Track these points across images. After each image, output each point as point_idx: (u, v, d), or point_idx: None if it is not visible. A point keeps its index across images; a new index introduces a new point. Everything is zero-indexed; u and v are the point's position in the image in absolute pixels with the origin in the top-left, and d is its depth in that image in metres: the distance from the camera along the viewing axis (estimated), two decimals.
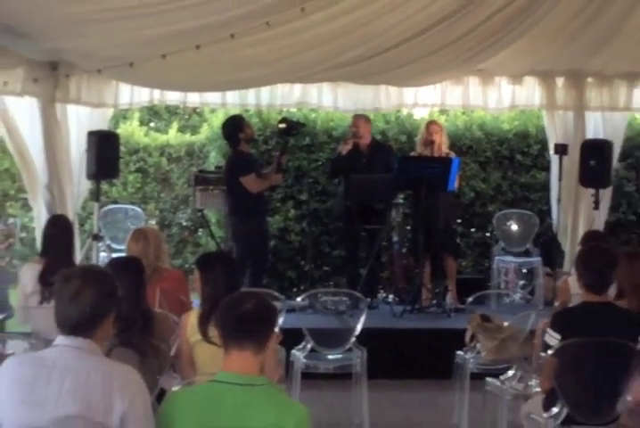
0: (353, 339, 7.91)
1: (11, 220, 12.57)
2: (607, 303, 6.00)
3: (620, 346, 5.74)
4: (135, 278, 5.54)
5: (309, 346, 7.83)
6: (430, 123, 11.00)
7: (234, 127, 10.39)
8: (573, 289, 7.01)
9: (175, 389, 4.87)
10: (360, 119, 10.96)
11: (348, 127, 11.23)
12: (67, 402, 3.66)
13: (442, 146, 10.72)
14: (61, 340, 3.82)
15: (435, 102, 11.32)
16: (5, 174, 12.57)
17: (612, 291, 6.45)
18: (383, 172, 10.61)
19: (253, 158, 10.55)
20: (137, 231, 7.55)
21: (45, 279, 6.74)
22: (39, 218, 9.89)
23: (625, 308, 6.11)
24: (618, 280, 6.44)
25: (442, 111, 12.28)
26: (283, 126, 10.67)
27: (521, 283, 11.39)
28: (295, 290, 11.23)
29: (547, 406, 5.94)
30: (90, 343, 3.82)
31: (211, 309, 5.36)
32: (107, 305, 3.89)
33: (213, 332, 5.26)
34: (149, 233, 7.42)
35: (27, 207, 11.66)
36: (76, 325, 3.80)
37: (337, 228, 11.64)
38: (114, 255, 9.64)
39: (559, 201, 10.74)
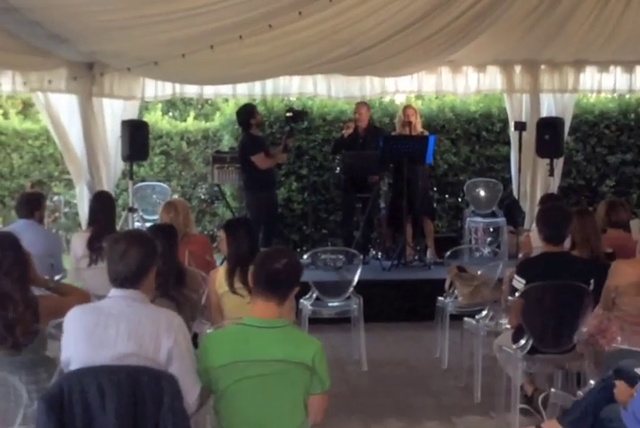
0: (351, 289, 7.96)
1: (56, 198, 12.58)
2: (563, 253, 6.12)
3: (575, 287, 5.83)
4: (170, 241, 5.53)
5: (314, 296, 7.88)
6: (407, 107, 11.05)
7: (247, 113, 10.43)
8: (534, 242, 7.07)
9: (208, 331, 4.93)
10: (362, 106, 10.97)
11: (346, 113, 11.37)
12: (123, 342, 3.76)
13: (417, 126, 10.74)
14: (114, 292, 3.94)
15: (412, 89, 11.25)
16: (50, 158, 12.59)
17: (567, 243, 6.58)
18: (373, 150, 10.61)
19: (262, 140, 10.56)
20: (168, 203, 7.58)
21: (92, 245, 6.83)
22: (81, 195, 9.96)
23: (578, 256, 6.23)
24: (571, 234, 6.53)
25: (418, 97, 12.28)
26: (289, 114, 10.73)
27: (489, 239, 11.42)
28: (298, 250, 11.28)
29: (515, 339, 6.02)
30: (138, 293, 3.93)
31: (236, 265, 5.49)
32: (149, 262, 4.00)
33: (238, 284, 5.43)
34: (178, 204, 7.43)
35: (68, 186, 11.72)
36: (125, 279, 3.91)
37: (333, 197, 11.78)
38: (147, 224, 9.73)
39: (519, 170, 10.76)
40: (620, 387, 4.31)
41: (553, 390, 5.71)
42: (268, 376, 3.86)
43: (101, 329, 3.81)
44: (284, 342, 3.92)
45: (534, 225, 7.00)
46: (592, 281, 5.86)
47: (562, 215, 6.19)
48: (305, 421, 3.96)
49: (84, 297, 5.26)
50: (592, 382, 5.14)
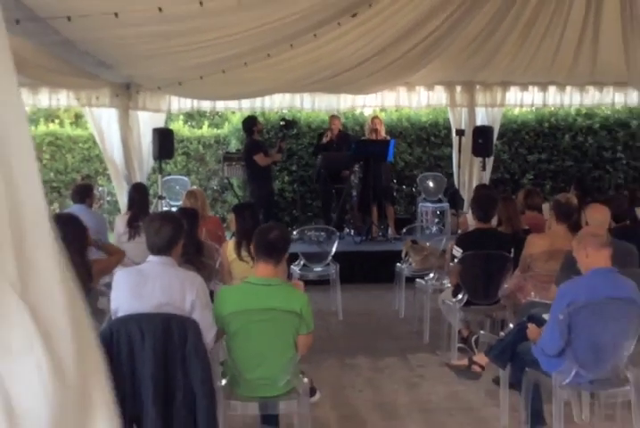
0: (330, 258, 8.04)
1: (100, 189, 12.52)
2: (491, 229, 6.18)
3: (499, 255, 5.89)
4: (192, 221, 5.52)
5: (302, 263, 7.97)
6: (374, 118, 10.96)
7: (251, 122, 10.39)
8: (469, 222, 7.04)
9: (223, 287, 5.01)
10: (335, 118, 10.96)
11: (327, 122, 11.23)
12: (157, 296, 3.81)
13: (382, 132, 10.71)
14: (151, 258, 3.99)
15: (377, 104, 11.16)
16: (96, 158, 12.54)
17: (494, 221, 6.67)
18: (346, 151, 10.61)
19: (262, 143, 10.51)
20: (189, 192, 7.55)
21: (131, 224, 6.79)
22: (119, 186, 9.91)
23: (502, 232, 6.29)
24: (497, 214, 6.60)
25: (382, 110, 12.17)
26: (283, 123, 10.74)
27: (436, 220, 11.37)
28: (290, 228, 11.29)
29: (454, 294, 6.12)
30: (169, 259, 3.98)
31: (242, 239, 5.46)
32: (177, 235, 4.04)
33: (244, 253, 5.41)
34: (197, 193, 7.43)
35: (110, 180, 11.69)
36: (160, 248, 3.98)
37: (316, 188, 11.73)
38: (173, 209, 9.74)
39: (459, 166, 10.65)
40: (532, 328, 4.39)
41: (482, 332, 5.72)
42: (267, 321, 3.93)
43: (141, 286, 3.88)
44: (279, 296, 3.99)
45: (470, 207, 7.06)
46: (512, 250, 5.89)
47: (490, 200, 6.26)
48: (294, 355, 4.01)
49: (121, 254, 5.40)
50: (511, 325, 5.13)
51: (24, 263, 2.24)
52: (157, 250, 3.98)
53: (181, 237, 4.12)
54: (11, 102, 2.06)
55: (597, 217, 5.35)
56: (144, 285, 3.85)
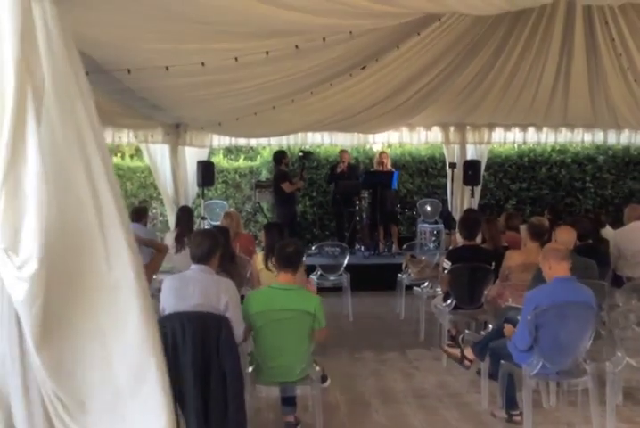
0: (342, 269, 8.01)
1: (154, 210, 12.64)
2: (475, 245, 6.18)
3: (482, 267, 5.89)
4: (226, 236, 5.54)
5: (319, 273, 7.94)
6: (381, 153, 10.99)
7: (280, 155, 10.47)
8: (459, 239, 6.97)
9: (250, 291, 5.07)
10: (344, 152, 10.95)
11: (338, 155, 11.24)
12: (196, 297, 3.88)
13: (387, 165, 10.71)
14: (193, 266, 4.06)
15: (384, 141, 11.16)
16: (151, 185, 12.61)
17: (479, 239, 6.69)
18: (355, 180, 10.68)
19: (287, 173, 10.51)
20: (226, 213, 7.57)
21: (179, 239, 6.81)
22: (170, 209, 9.90)
23: (485, 248, 6.27)
24: (482, 233, 6.62)
25: (388, 146, 12.17)
26: (301, 154, 10.73)
27: (433, 238, 11.32)
28: (310, 245, 11.32)
29: (444, 300, 6.10)
30: (207, 268, 4.05)
31: (269, 252, 5.47)
32: (214, 248, 4.11)
33: (270, 264, 5.42)
34: (232, 214, 7.45)
35: (162, 203, 11.78)
36: (199, 258, 4.05)
37: (332, 211, 11.67)
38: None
39: (452, 193, 10.70)
40: (507, 327, 4.42)
41: (467, 331, 5.73)
42: (285, 320, 4.01)
43: (183, 289, 3.95)
44: (296, 299, 4.06)
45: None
46: (493, 263, 5.90)
47: (473, 221, 6.26)
48: (309, 347, 4.08)
49: (165, 248, 5.44)
50: (491, 326, 5.21)
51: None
52: (197, 259, 4.07)
53: (218, 250, 4.18)
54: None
55: (564, 236, 5.36)
56: (186, 289, 3.93)
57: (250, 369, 4.13)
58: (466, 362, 4.99)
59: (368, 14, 4.79)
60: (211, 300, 3.91)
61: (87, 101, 2.64)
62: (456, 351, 5.09)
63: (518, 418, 4.43)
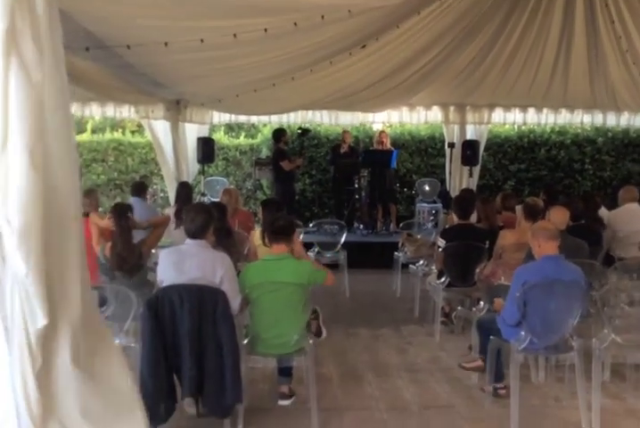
0: (339, 246, 8.07)
1: (155, 186, 12.66)
2: (470, 224, 6.19)
3: (476, 246, 5.94)
4: (223, 212, 5.65)
5: (316, 250, 8.00)
6: (381, 132, 11.01)
7: (280, 133, 10.51)
8: (455, 219, 7.19)
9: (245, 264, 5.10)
10: (346, 133, 10.98)
11: (340, 135, 11.26)
12: (193, 270, 3.95)
13: (387, 144, 10.73)
14: (188, 241, 4.12)
15: (384, 120, 11.30)
16: (152, 161, 12.58)
17: (475, 218, 6.73)
18: (355, 159, 10.69)
19: (286, 151, 10.55)
20: (225, 190, 7.63)
21: (178, 215, 6.58)
22: (170, 185, 9.97)
23: (479, 227, 6.28)
24: (477, 213, 6.69)
25: (388, 125, 12.21)
26: (299, 131, 10.76)
27: (431, 218, 11.27)
28: (309, 222, 11.38)
29: (439, 277, 6.15)
30: (203, 242, 4.12)
31: (266, 228, 5.62)
32: (208, 222, 4.17)
33: (267, 240, 5.61)
34: (231, 190, 7.54)
35: (162, 179, 11.82)
36: (194, 233, 4.11)
37: (331, 189, 11.72)
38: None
39: (450, 173, 10.77)
40: (497, 301, 4.53)
41: (459, 308, 5.88)
42: (278, 292, 4.09)
43: (181, 263, 4.01)
44: (288, 271, 4.15)
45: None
46: (487, 242, 5.95)
47: (467, 200, 6.31)
48: (303, 319, 4.18)
49: (166, 219, 5.61)
50: (482, 303, 5.31)
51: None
52: (192, 234, 4.13)
53: (211, 224, 4.23)
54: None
55: (558, 216, 5.42)
56: (183, 262, 4.00)
57: (246, 341, 4.20)
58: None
59: None
60: (207, 273, 3.97)
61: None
62: (477, 364, 5.00)
63: (503, 391, 4.52)
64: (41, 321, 2.36)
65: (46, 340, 2.43)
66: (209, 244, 4.27)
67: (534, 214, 5.74)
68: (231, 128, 14.15)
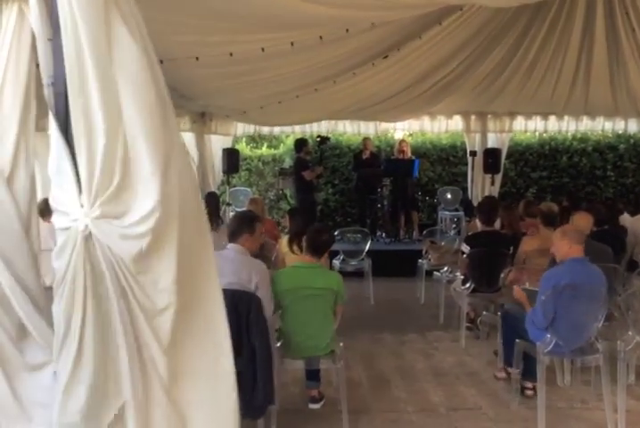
0: (364, 254, 8.12)
1: None
2: (493, 231, 6.29)
3: (499, 252, 6.02)
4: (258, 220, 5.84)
5: (342, 257, 8.09)
6: (402, 141, 11.04)
7: (302, 143, 10.57)
8: (478, 226, 7.26)
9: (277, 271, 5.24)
10: (367, 140, 11.06)
11: (361, 143, 11.36)
12: (230, 275, 4.02)
13: (408, 153, 10.77)
14: (229, 245, 4.27)
15: (405, 129, 11.41)
16: None
17: (498, 224, 6.83)
18: (377, 167, 10.77)
19: (308, 161, 10.64)
20: (252, 199, 7.76)
21: (210, 220, 7.02)
22: None
23: (503, 233, 6.40)
24: (501, 219, 6.79)
25: (410, 134, 12.33)
26: (318, 139, 10.74)
27: (453, 225, 11.33)
28: (333, 231, 11.38)
29: (463, 283, 6.24)
30: (240, 247, 4.24)
31: (294, 236, 5.66)
32: (244, 228, 4.34)
33: (295, 247, 5.61)
34: (258, 200, 7.70)
35: None
36: (231, 238, 4.32)
37: (354, 198, 11.84)
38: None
39: (472, 181, 10.85)
40: (517, 290, 4.71)
41: (485, 313, 5.97)
42: (311, 296, 4.23)
43: (220, 267, 4.21)
44: (319, 277, 4.29)
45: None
46: (511, 248, 6.05)
47: (490, 206, 6.41)
48: (332, 323, 4.30)
49: None
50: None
51: None
52: (230, 238, 4.30)
53: (246, 231, 4.34)
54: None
55: (582, 222, 5.53)
56: (222, 267, 4.15)
57: (279, 344, 4.33)
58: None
59: (389, 6, 4.97)
60: (242, 279, 4.09)
61: None
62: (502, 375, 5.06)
63: (530, 392, 4.64)
64: None
65: None
66: (247, 251, 4.38)
67: (550, 220, 5.88)
68: (253, 139, 14.32)
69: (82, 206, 2.42)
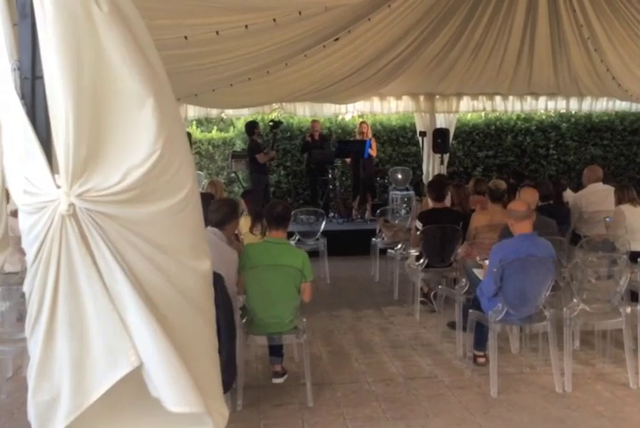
0: (319, 234, 8.27)
1: None
2: (444, 207, 6.50)
3: (451, 228, 6.23)
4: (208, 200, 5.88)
5: (297, 238, 8.17)
6: (362, 122, 11.28)
7: (252, 126, 10.62)
8: (430, 203, 7.45)
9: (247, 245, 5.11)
10: (315, 122, 11.21)
11: (310, 125, 11.48)
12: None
13: (369, 134, 11.02)
14: (209, 228, 4.34)
15: (356, 111, 11.39)
16: None
17: (449, 203, 7.06)
18: (327, 149, 10.96)
19: (260, 144, 10.72)
20: (211, 182, 7.79)
21: None
22: None
23: (454, 209, 6.61)
24: (451, 197, 7.01)
25: (360, 116, 12.39)
26: (271, 124, 10.88)
27: (404, 205, 11.45)
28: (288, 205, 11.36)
29: (417, 259, 6.43)
30: (219, 232, 4.40)
31: (254, 217, 5.82)
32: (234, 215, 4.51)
33: (254, 229, 5.78)
34: (216, 182, 7.76)
35: None
36: (219, 224, 4.43)
37: (306, 180, 12.00)
38: None
39: (424, 161, 11.11)
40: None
41: (440, 287, 6.15)
42: (275, 274, 4.36)
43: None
44: (286, 254, 4.41)
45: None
46: (461, 224, 6.28)
47: (440, 183, 6.62)
48: (296, 300, 4.43)
49: None
50: (463, 281, 5.54)
51: None
52: (213, 223, 4.41)
53: (231, 219, 4.55)
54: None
55: (528, 197, 5.76)
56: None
57: (243, 321, 4.46)
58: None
59: None
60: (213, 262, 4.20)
61: None
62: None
63: (482, 360, 4.91)
64: None
65: None
66: (224, 237, 4.50)
67: (498, 196, 6.11)
68: (201, 123, 14.21)
69: (58, 187, 2.48)
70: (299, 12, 5.85)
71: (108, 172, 2.46)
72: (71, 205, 2.43)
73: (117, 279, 2.50)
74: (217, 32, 5.60)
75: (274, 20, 5.77)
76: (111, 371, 2.51)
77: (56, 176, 2.55)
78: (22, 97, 2.88)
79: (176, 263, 2.59)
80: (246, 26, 5.65)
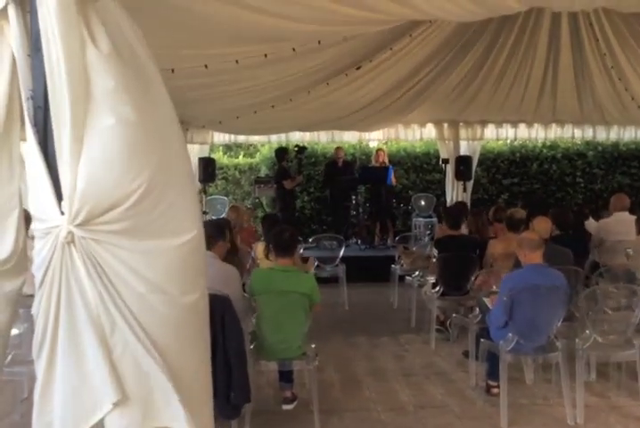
0: (338, 260, 8.26)
1: None
2: (461, 235, 6.50)
3: (467, 256, 6.19)
4: (228, 227, 5.98)
5: (316, 263, 7.96)
6: (378, 150, 11.28)
7: (283, 152, 10.80)
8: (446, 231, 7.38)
9: (255, 270, 5.23)
10: (340, 150, 11.25)
11: (334, 152, 11.50)
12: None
13: (385, 161, 11.02)
14: None
15: (380, 138, 11.53)
16: None
17: (465, 229, 7.02)
18: (350, 175, 10.96)
19: (288, 170, 10.84)
20: (233, 207, 7.85)
21: None
22: None
23: (470, 237, 6.59)
24: (468, 225, 7.00)
25: (384, 142, 12.43)
26: (296, 149, 10.96)
27: (427, 232, 11.38)
28: (308, 238, 11.58)
29: (433, 287, 6.41)
30: (211, 253, 4.31)
31: (269, 242, 5.72)
32: (216, 236, 4.50)
33: (270, 254, 5.73)
34: (239, 207, 7.84)
35: None
36: (207, 245, 4.43)
37: (329, 206, 11.90)
38: None
39: (445, 188, 11.04)
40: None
41: (454, 315, 6.08)
42: (285, 300, 4.39)
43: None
44: (293, 281, 4.44)
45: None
46: (477, 251, 6.24)
47: (456, 210, 6.64)
48: (304, 326, 4.44)
49: None
50: (477, 310, 5.47)
51: None
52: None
53: (219, 239, 4.52)
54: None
55: (540, 226, 5.79)
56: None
57: (252, 346, 4.48)
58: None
59: (352, 21, 5.18)
60: (216, 284, 4.15)
61: None
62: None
63: (496, 390, 4.83)
64: None
65: None
66: (217, 256, 4.52)
67: (514, 225, 6.07)
68: (229, 148, 14.35)
69: (62, 213, 2.55)
70: (319, 42, 5.95)
71: (101, 201, 2.54)
72: (70, 233, 2.50)
73: (108, 308, 2.55)
74: (237, 61, 5.71)
75: (294, 49, 5.87)
76: (101, 403, 2.56)
77: (62, 202, 2.64)
78: (35, 125, 3.00)
79: (166, 302, 2.62)
80: (265, 55, 5.76)
